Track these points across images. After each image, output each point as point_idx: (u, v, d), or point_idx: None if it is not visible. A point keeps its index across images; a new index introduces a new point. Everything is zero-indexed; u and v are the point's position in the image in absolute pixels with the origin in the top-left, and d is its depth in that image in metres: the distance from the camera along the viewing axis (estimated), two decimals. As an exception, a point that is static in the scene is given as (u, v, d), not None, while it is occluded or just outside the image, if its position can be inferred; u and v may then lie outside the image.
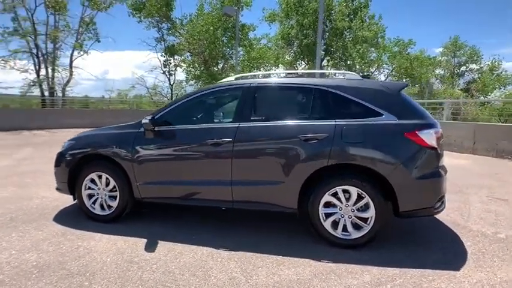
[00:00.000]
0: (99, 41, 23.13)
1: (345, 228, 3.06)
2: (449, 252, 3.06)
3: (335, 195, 3.05)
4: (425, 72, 30.46)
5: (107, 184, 3.63)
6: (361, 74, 3.49)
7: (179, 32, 24.27)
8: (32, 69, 20.96)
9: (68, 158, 3.72)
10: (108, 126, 4.00)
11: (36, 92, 21.14)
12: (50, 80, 21.24)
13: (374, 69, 32.36)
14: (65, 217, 3.82)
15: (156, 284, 2.47)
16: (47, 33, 19.92)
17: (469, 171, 6.90)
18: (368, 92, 3.15)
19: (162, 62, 24.86)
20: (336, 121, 3.07)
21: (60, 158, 3.79)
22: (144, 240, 3.22)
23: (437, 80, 36.18)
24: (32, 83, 20.64)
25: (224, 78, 4.37)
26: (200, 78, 24.67)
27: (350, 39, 28.26)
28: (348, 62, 29.54)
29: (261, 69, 28.72)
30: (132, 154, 3.48)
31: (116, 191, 3.59)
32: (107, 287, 2.43)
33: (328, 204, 3.09)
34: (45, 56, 20.52)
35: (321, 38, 14.47)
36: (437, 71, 35.52)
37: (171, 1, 22.79)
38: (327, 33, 28.57)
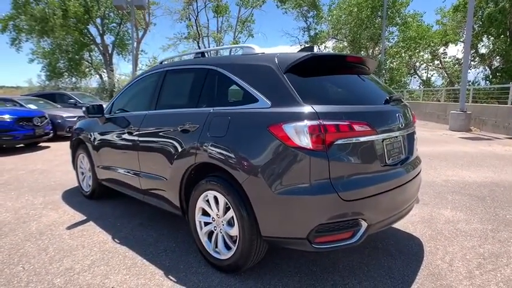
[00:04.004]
0: (252, 37, 25.46)
1: (217, 244, 2.44)
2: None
3: (208, 201, 2.46)
4: None
5: (87, 165, 4.14)
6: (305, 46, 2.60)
7: (325, 18, 23.68)
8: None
9: (72, 140, 4.45)
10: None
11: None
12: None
13: None
14: (72, 191, 4.57)
15: (21, 256, 2.71)
16: (208, 34, 23.56)
17: None
18: (251, 71, 2.34)
19: (303, 52, 24.97)
20: (213, 109, 2.45)
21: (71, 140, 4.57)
22: (83, 218, 3.53)
23: None
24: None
25: None
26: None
27: None
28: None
29: (423, 51, 24.61)
30: (91, 138, 3.83)
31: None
32: (-4, 247, 2.87)
33: (205, 212, 2.53)
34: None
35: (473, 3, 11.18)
36: None
37: (318, -12, 22.44)
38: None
